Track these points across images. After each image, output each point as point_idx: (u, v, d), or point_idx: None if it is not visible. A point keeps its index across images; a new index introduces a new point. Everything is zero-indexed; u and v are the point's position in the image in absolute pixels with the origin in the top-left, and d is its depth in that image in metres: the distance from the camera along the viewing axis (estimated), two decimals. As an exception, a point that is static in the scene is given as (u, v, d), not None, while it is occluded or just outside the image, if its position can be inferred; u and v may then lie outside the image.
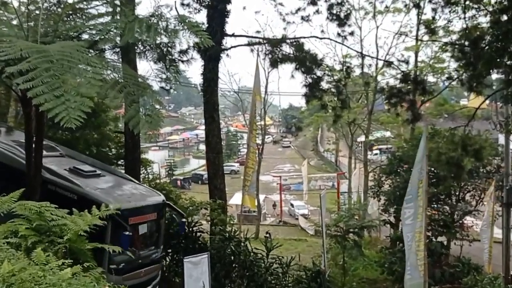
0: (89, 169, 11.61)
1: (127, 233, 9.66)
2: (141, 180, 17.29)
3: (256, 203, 21.90)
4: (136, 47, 13.74)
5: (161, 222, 11.71)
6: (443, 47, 25.16)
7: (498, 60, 15.73)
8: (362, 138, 49.50)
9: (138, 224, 10.75)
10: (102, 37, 8.98)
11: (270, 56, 19.33)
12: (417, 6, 21.64)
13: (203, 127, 23.41)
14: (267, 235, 16.68)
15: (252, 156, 16.41)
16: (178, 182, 60.21)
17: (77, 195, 10.17)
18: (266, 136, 55.97)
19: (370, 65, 38.05)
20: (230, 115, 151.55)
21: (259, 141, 49.34)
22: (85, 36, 9.34)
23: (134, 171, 15.99)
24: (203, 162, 74.12)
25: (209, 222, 16.18)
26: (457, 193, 23.28)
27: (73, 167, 11.39)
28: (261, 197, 44.28)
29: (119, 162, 19.57)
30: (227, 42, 19.11)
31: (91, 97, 6.65)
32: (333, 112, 22.67)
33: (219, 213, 16.00)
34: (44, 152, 11.67)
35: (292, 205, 48.40)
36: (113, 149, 20.37)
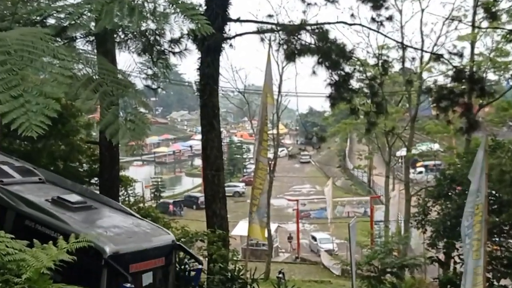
0: (78, 199, 11.50)
1: (128, 285, 9.52)
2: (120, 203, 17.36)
3: (266, 234, 21.87)
4: (115, 35, 13.86)
5: (170, 269, 11.56)
6: (507, 36, 25.11)
7: None
8: (402, 152, 49.36)
9: (141, 272, 10.61)
10: (73, 22, 9.02)
11: (285, 46, 19.37)
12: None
13: (199, 136, 23.53)
14: (280, 275, 16.66)
15: (262, 173, 16.40)
16: (170, 207, 60.33)
17: (62, 234, 10.05)
18: (280, 149, 55.96)
19: (413, 58, 38.08)
20: (234, 121, 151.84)
21: (270, 155, 49.33)
22: (51, 21, 9.41)
23: (111, 192, 16.05)
24: (199, 181, 74.57)
25: (207, 258, 16.16)
26: (525, 223, 23.09)
27: (57, 197, 11.28)
28: (273, 226, 44.19)
29: (92, 181, 19.67)
30: (231, 29, 19.18)
31: (58, 98, 6.67)
32: (365, 118, 22.65)
33: (219, 247, 15.98)
34: (19, 177, 11.62)
35: (314, 238, 48.26)
36: (84, 164, 20.50)
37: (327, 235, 47.16)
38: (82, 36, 11.57)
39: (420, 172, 60.78)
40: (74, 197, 11.43)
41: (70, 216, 10.59)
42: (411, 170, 49.02)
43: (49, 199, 11.10)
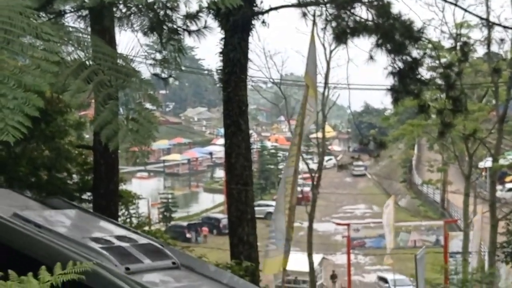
0: None
1: None
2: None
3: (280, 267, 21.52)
4: (115, 9, 13.98)
5: None
6: None
7: None
8: (487, 163, 48.94)
9: None
10: (61, -8, 9.17)
11: (334, 24, 19.36)
12: None
13: (221, 140, 23.49)
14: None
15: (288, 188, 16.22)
16: (186, 232, 60.56)
17: None
18: (326, 158, 55.83)
19: (502, 40, 37.66)
20: (267, 121, 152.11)
21: (313, 166, 49.12)
22: (33, -9, 9.54)
23: (108, 211, 16.12)
24: (221, 198, 74.71)
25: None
26: None
27: None
28: (317, 258, 44.13)
29: (84, 196, 19.78)
30: (264, 0, 19.26)
31: (41, 91, 6.75)
32: (438, 118, 22.52)
33: (246, 284, 16.01)
34: (149, 262, 9.83)
35: (383, 280, 47.64)
36: (74, 175, 20.61)
37: (404, 278, 44.13)
38: (72, 10, 11.68)
39: (511, 189, 60.20)
40: None
41: None
42: (499, 187, 48.50)
43: None
